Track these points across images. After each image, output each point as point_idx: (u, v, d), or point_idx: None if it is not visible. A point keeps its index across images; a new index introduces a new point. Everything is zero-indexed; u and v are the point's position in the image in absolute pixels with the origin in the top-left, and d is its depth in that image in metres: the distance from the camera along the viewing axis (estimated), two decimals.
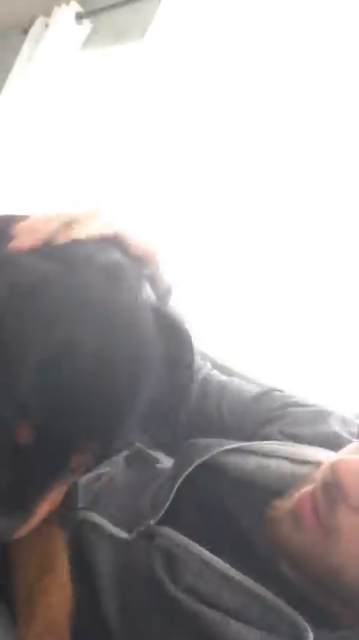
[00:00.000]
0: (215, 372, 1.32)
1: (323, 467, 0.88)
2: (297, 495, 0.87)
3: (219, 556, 0.85)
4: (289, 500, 0.88)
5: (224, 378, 1.30)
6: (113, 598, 0.87)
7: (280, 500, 0.90)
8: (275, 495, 0.93)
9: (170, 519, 0.91)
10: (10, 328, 0.67)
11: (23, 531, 0.71)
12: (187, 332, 0.80)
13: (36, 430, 0.66)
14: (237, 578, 0.82)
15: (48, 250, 0.75)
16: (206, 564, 0.84)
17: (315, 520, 0.82)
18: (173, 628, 0.82)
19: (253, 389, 1.27)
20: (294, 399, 1.22)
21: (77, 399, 0.67)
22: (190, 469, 0.97)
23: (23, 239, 0.76)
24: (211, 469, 0.97)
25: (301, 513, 0.84)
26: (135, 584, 0.87)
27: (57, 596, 0.80)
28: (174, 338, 0.79)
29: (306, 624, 0.77)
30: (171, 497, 0.94)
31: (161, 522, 0.92)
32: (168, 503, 0.93)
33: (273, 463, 1.00)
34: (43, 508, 0.72)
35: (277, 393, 1.25)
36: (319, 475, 0.86)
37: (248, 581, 0.82)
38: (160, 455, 1.19)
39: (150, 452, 1.18)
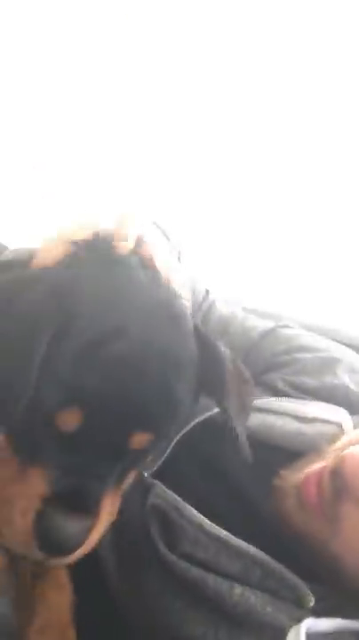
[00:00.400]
0: (217, 304, 1.25)
1: (337, 449, 0.86)
2: (304, 472, 0.85)
3: (218, 518, 0.83)
4: (296, 473, 0.87)
5: (226, 312, 1.23)
6: (110, 554, 0.86)
7: (288, 471, 0.89)
8: (279, 453, 0.91)
9: (166, 477, 0.89)
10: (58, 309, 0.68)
11: (95, 535, 0.70)
12: (223, 353, 0.80)
13: (85, 415, 0.67)
14: (235, 543, 0.81)
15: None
16: (203, 529, 0.82)
17: (319, 507, 0.81)
18: (169, 590, 0.82)
19: (258, 326, 1.20)
20: (300, 342, 1.16)
21: (127, 379, 0.68)
22: (188, 428, 0.94)
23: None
24: (212, 427, 0.93)
25: (306, 495, 0.82)
26: (130, 540, 0.86)
27: (57, 596, 0.80)
28: (211, 354, 0.79)
29: (307, 589, 0.77)
30: (168, 453, 0.92)
31: (157, 477, 0.89)
32: (164, 457, 0.90)
33: (278, 421, 0.97)
34: (108, 506, 0.71)
35: (284, 331, 1.19)
36: (331, 458, 0.85)
37: (247, 546, 0.81)
38: None
39: None
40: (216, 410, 0.92)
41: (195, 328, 0.78)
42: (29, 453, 0.70)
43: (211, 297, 1.27)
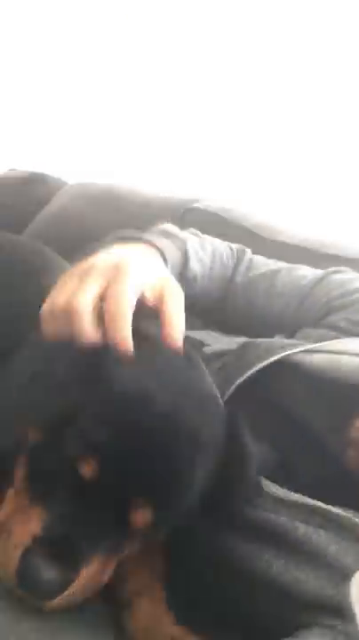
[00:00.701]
0: (256, 260, 1.29)
1: None
2: None
3: (281, 466, 0.86)
4: None
5: (267, 268, 1.26)
6: None
7: None
8: (348, 391, 0.91)
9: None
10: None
11: (72, 591, 0.72)
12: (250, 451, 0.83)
13: (99, 468, 0.72)
14: (294, 499, 0.83)
15: None
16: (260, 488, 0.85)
17: None
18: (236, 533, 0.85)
19: (307, 274, 1.23)
20: (355, 285, 1.17)
21: (144, 448, 0.73)
22: (250, 372, 0.95)
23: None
24: (275, 371, 0.95)
25: None
26: None
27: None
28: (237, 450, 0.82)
29: None
30: (226, 399, 0.92)
31: None
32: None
33: (344, 358, 0.97)
34: (92, 569, 0.73)
35: (335, 277, 1.21)
36: None
37: (306, 500, 0.82)
38: (205, 336, 1.18)
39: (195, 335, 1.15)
40: (280, 354, 0.97)
41: (229, 416, 0.82)
42: (40, 491, 0.74)
43: (247, 256, 1.30)
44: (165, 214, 2.11)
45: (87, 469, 0.72)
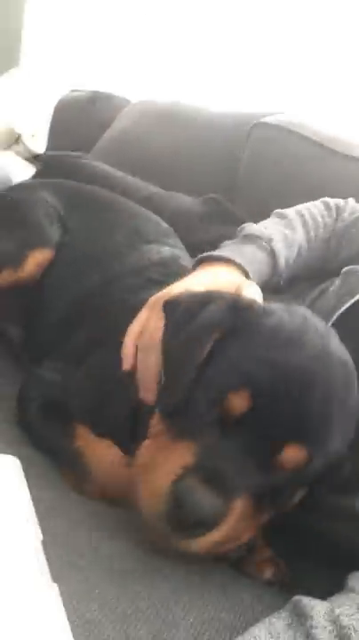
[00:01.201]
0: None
1: None
2: None
3: None
4: None
5: None
6: None
7: None
8: None
9: None
10: None
11: (220, 533, 0.73)
12: None
13: (253, 403, 0.73)
14: None
15: None
16: None
17: None
18: None
19: None
20: None
21: (297, 386, 0.74)
22: (353, 301, 0.98)
23: None
24: None
25: None
26: None
27: None
28: None
29: None
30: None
31: None
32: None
33: None
34: (242, 506, 0.74)
35: None
36: None
37: None
38: None
39: None
40: None
41: None
42: (183, 430, 0.77)
43: (349, 205, 1.30)
44: (231, 131, 2.07)
45: (239, 403, 0.74)
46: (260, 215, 1.29)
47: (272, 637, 0.61)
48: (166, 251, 1.26)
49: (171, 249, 1.28)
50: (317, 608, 0.63)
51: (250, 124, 1.97)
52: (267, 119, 1.94)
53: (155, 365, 0.90)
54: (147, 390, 0.92)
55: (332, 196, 1.37)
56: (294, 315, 0.84)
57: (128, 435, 0.95)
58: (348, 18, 2.26)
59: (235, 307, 0.83)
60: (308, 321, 0.84)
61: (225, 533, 0.73)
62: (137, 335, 0.97)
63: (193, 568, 0.78)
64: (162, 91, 2.56)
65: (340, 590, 0.72)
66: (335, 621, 0.61)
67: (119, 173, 1.95)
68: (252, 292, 0.95)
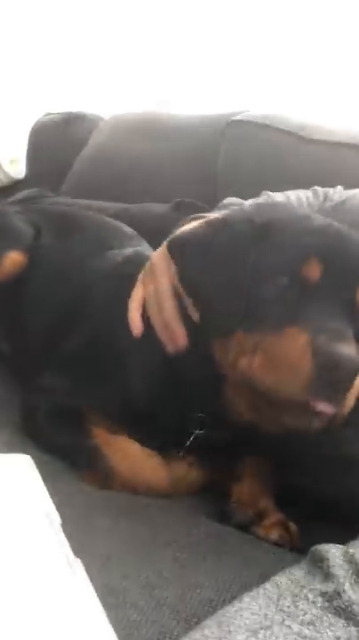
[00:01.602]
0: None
1: None
2: None
3: None
4: None
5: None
6: None
7: None
8: None
9: None
10: None
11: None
12: None
13: (323, 268, 0.83)
14: None
15: None
16: None
17: None
18: None
19: None
20: None
21: (348, 241, 0.88)
22: None
23: None
24: None
25: None
26: None
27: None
28: None
29: None
30: None
31: None
32: None
33: None
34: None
35: None
36: None
37: None
38: None
39: None
40: None
41: None
42: (275, 319, 0.83)
43: (337, 189, 1.34)
44: (205, 134, 2.10)
45: (313, 269, 0.83)
46: None
47: (292, 582, 0.62)
48: (128, 251, 1.28)
49: (134, 248, 1.31)
50: (332, 550, 0.65)
51: (222, 124, 2.00)
52: (240, 116, 1.97)
53: (174, 312, 0.95)
54: (175, 338, 0.94)
55: (314, 183, 1.41)
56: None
57: (146, 427, 0.97)
58: (305, 15, 2.32)
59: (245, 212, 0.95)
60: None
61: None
62: (140, 302, 1.00)
63: (214, 536, 0.80)
64: (134, 104, 2.59)
65: None
66: (351, 560, 0.63)
67: (84, 201, 1.97)
68: None
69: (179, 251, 0.93)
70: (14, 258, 1.30)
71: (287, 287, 0.84)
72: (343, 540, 0.84)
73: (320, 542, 0.88)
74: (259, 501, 0.93)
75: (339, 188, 1.35)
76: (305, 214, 0.93)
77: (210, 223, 0.95)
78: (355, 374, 0.77)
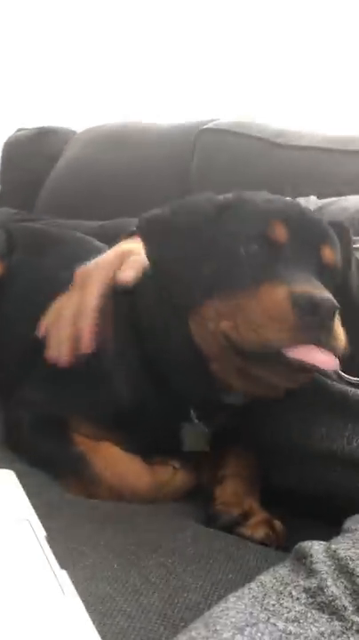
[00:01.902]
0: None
1: None
2: None
3: None
4: None
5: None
6: None
7: None
8: None
9: None
10: None
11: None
12: None
13: (289, 229, 0.89)
14: None
15: None
16: None
17: None
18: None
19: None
20: None
21: (302, 209, 0.96)
22: None
23: None
24: None
25: None
26: None
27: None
28: None
29: None
30: None
31: None
32: None
33: None
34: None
35: None
36: None
37: None
38: None
39: None
40: None
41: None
42: (247, 280, 0.87)
43: (311, 203, 1.36)
44: (177, 144, 2.11)
45: (280, 231, 0.89)
46: None
47: (277, 580, 0.63)
48: None
49: None
50: (315, 547, 0.66)
51: (194, 132, 2.02)
52: (210, 125, 1.99)
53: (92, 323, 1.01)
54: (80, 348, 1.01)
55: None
56: None
57: (130, 433, 0.99)
58: (276, 22, 2.34)
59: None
60: None
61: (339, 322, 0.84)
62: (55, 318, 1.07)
63: (199, 539, 0.80)
64: (106, 117, 2.60)
65: None
66: (333, 556, 0.64)
67: (60, 221, 1.98)
68: (132, 262, 1.04)
69: (145, 229, 0.98)
70: None
71: (256, 251, 0.88)
72: (328, 536, 0.85)
73: (305, 540, 0.91)
74: (243, 501, 0.94)
75: (312, 198, 1.36)
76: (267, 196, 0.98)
77: (173, 203, 1.01)
78: (334, 314, 0.82)
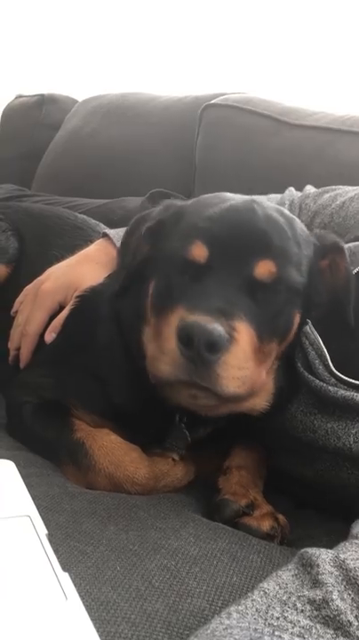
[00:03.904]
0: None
1: None
2: None
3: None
4: None
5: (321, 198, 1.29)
6: None
7: None
8: None
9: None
10: None
11: (237, 351, 0.79)
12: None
13: (209, 248, 0.85)
14: None
15: None
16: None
17: None
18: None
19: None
20: None
21: (238, 220, 0.88)
22: None
23: None
24: None
25: None
26: None
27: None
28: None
29: None
30: None
31: None
32: None
33: None
34: (246, 333, 0.81)
35: None
36: None
37: None
38: None
39: None
40: None
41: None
42: (167, 303, 0.86)
43: (298, 194, 1.33)
44: (181, 118, 2.07)
45: (198, 251, 0.86)
46: None
47: (280, 588, 0.62)
48: None
49: None
50: (322, 556, 0.64)
51: (199, 108, 1.98)
52: (216, 100, 1.95)
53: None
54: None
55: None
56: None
57: (129, 424, 0.99)
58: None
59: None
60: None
61: (241, 355, 0.80)
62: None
63: (202, 538, 0.79)
64: (108, 86, 2.55)
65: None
66: (341, 566, 0.62)
67: (64, 199, 1.95)
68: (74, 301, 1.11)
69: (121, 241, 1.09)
70: None
71: (180, 272, 0.87)
72: (331, 531, 0.85)
73: (308, 533, 0.90)
74: (248, 493, 0.93)
75: (309, 187, 1.34)
76: (216, 200, 0.94)
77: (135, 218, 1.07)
78: (215, 346, 0.77)
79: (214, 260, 0.85)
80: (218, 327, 0.77)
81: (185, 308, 0.81)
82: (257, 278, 0.85)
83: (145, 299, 0.93)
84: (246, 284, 0.84)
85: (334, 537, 0.76)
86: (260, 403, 0.92)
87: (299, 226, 0.94)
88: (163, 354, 0.81)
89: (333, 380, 0.89)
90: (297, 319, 0.90)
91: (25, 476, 0.77)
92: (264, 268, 0.85)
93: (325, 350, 0.90)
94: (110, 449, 0.95)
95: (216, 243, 0.86)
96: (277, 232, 0.88)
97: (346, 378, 0.88)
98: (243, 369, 0.80)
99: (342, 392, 0.88)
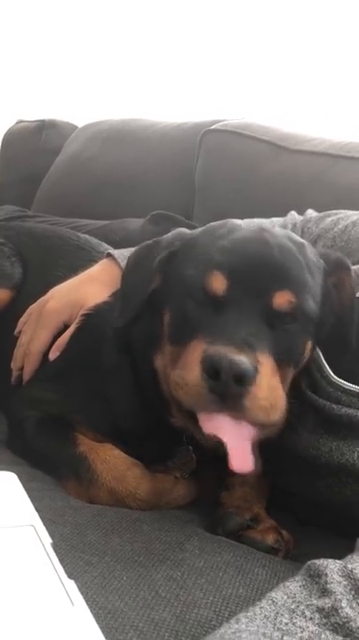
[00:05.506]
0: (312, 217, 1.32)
1: None
2: None
3: None
4: None
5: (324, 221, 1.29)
6: None
7: None
8: None
9: None
10: None
11: (262, 382, 0.79)
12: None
13: (228, 279, 0.85)
14: None
15: None
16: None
17: None
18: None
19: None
20: None
21: (255, 250, 0.88)
22: None
23: None
24: None
25: None
26: None
27: None
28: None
29: None
30: None
31: None
32: None
33: None
34: (268, 365, 0.81)
35: None
36: None
37: None
38: None
39: None
40: None
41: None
42: (186, 333, 0.85)
43: (300, 218, 1.33)
44: (181, 143, 2.10)
45: (218, 282, 0.85)
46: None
47: (289, 597, 0.62)
48: None
49: None
50: (330, 566, 0.64)
51: (198, 133, 2.01)
52: (216, 126, 1.98)
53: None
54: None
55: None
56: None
57: (132, 442, 0.99)
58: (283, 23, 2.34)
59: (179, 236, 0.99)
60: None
61: (266, 386, 0.79)
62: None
63: (207, 550, 0.79)
64: (108, 112, 2.58)
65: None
66: (349, 576, 0.63)
67: (66, 220, 1.96)
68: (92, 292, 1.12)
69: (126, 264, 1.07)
70: (1, 296, 1.33)
71: (198, 302, 0.87)
72: (334, 547, 0.85)
73: (312, 549, 0.90)
74: (252, 507, 0.94)
75: (310, 211, 1.34)
76: (226, 229, 0.95)
77: (139, 247, 1.07)
78: (243, 378, 0.77)
79: (233, 292, 0.85)
80: (244, 359, 0.77)
81: (207, 339, 0.81)
82: (275, 309, 0.85)
83: (158, 327, 0.93)
84: (265, 314, 0.84)
85: (338, 553, 0.76)
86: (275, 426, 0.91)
87: (310, 250, 0.94)
88: (186, 384, 0.81)
89: (335, 394, 0.89)
90: (309, 346, 0.91)
91: (27, 490, 0.77)
92: (283, 299, 0.85)
93: (325, 362, 0.91)
94: (113, 464, 0.95)
95: (234, 274, 0.85)
96: (291, 261, 0.88)
97: (344, 383, 0.89)
98: (268, 399, 0.80)
99: (346, 409, 0.88)
